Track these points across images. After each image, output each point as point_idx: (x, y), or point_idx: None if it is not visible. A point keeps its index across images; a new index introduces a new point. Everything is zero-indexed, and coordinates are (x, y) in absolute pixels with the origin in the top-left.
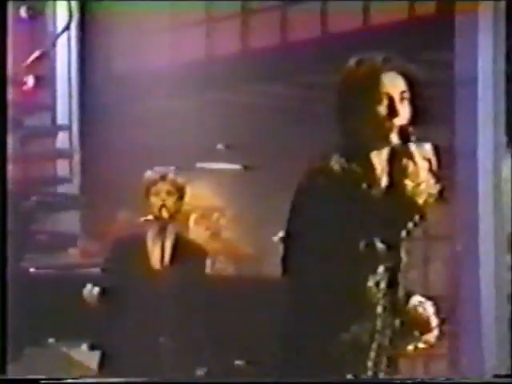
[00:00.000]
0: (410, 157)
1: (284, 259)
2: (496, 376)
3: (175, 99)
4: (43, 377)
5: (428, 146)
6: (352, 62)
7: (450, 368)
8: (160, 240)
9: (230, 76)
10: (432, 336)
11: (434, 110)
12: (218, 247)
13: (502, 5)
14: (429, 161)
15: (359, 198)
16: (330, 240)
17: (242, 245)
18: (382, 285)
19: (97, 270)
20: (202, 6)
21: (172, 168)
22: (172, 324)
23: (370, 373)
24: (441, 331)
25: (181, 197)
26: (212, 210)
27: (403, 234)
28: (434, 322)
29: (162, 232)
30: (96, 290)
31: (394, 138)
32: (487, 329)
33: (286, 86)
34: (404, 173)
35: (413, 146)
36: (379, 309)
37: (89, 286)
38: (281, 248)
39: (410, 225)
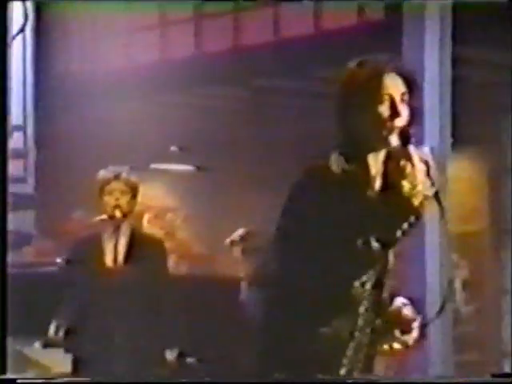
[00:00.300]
0: (409, 158)
1: (274, 255)
2: (496, 376)
3: (130, 101)
4: (43, 377)
5: (426, 149)
6: (353, 62)
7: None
8: (114, 239)
9: (184, 79)
10: (411, 337)
11: None
12: (172, 246)
13: (448, 9)
14: (426, 163)
15: (355, 197)
16: (323, 238)
17: (195, 244)
18: (368, 285)
19: (52, 269)
20: (156, 9)
21: (126, 167)
22: (126, 321)
23: (344, 370)
24: (421, 333)
25: (134, 196)
26: (166, 210)
27: (399, 234)
28: (416, 323)
29: (116, 231)
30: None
31: (394, 140)
32: (432, 327)
33: (239, 88)
34: (401, 174)
35: (411, 148)
36: (362, 307)
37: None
38: (239, 247)
39: (405, 225)
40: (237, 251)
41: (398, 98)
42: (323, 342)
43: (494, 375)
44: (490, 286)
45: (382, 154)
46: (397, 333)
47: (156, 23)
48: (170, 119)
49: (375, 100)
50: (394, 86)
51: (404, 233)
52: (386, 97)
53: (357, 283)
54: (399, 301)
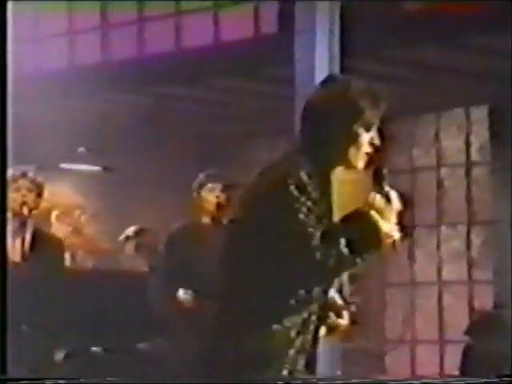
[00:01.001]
0: (382, 193)
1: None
2: (496, 376)
3: (41, 103)
4: (43, 377)
5: (394, 194)
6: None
7: None
8: (20, 234)
9: (92, 85)
10: (344, 321)
11: (277, 121)
12: (79, 242)
13: (337, 25)
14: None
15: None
16: (278, 242)
17: (101, 240)
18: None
19: None
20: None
21: (32, 166)
22: (32, 313)
23: (285, 371)
24: (352, 320)
25: (39, 194)
26: (73, 208)
27: (358, 260)
28: (345, 309)
29: (22, 227)
30: None
31: (361, 164)
32: None
33: (142, 95)
34: (372, 206)
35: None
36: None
37: None
38: (133, 242)
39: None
40: (130, 247)
41: (375, 127)
42: (270, 341)
43: (496, 375)
44: (375, 280)
45: (350, 175)
46: (332, 316)
47: (64, 31)
48: (78, 122)
49: (351, 117)
50: (373, 114)
51: (363, 259)
52: (363, 116)
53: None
54: (331, 291)
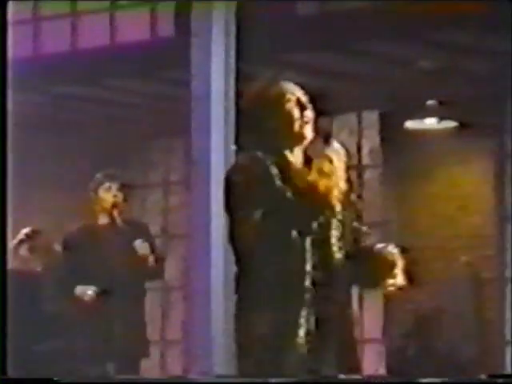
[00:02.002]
0: (326, 156)
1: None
2: (496, 376)
3: None
4: (42, 377)
5: (337, 145)
6: (256, 82)
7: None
8: None
9: None
10: None
11: (173, 123)
12: None
13: (233, 29)
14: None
15: (276, 194)
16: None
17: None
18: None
19: None
20: None
21: None
22: None
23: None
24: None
25: None
26: None
27: (315, 225)
28: None
29: None
30: None
31: (309, 132)
32: (215, 323)
33: (39, 95)
34: (321, 171)
35: (331, 143)
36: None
37: None
38: (27, 245)
39: (321, 219)
40: (24, 249)
41: (300, 96)
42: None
43: (494, 375)
44: None
45: (300, 152)
46: None
47: None
48: None
49: (282, 101)
50: (294, 88)
51: (320, 225)
52: (291, 96)
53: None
54: None
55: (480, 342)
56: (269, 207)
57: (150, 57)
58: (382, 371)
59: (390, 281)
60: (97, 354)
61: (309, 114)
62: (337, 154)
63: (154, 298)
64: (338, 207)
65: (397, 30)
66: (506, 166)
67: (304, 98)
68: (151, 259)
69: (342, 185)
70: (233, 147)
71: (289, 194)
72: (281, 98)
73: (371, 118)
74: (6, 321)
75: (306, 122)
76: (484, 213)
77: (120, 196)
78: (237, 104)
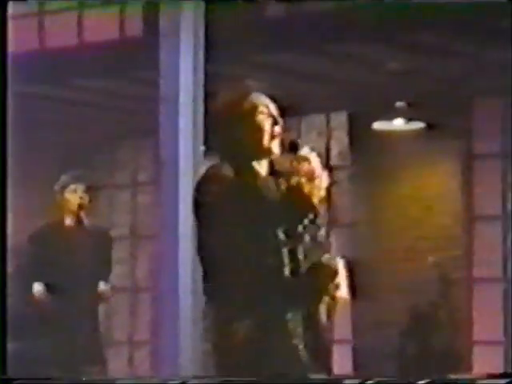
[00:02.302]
0: (301, 160)
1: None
2: (496, 376)
3: None
4: (42, 377)
5: (307, 150)
6: (225, 89)
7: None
8: None
9: None
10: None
11: (141, 123)
12: None
13: (201, 31)
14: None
15: (254, 200)
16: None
17: None
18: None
19: None
20: None
21: None
22: None
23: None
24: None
25: None
26: None
27: (300, 228)
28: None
29: None
30: None
31: (276, 147)
32: (184, 323)
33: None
34: (298, 174)
35: (305, 151)
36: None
37: None
38: None
39: (306, 221)
40: None
41: (272, 110)
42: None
43: (493, 375)
44: None
45: (266, 161)
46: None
47: None
48: None
49: (254, 113)
50: (266, 101)
51: (305, 228)
52: (264, 109)
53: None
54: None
55: (448, 343)
56: (241, 216)
57: (118, 57)
58: (350, 371)
59: (333, 292)
60: (59, 355)
61: (278, 129)
62: (307, 158)
63: (122, 299)
64: (321, 209)
65: (365, 31)
66: (473, 166)
67: (276, 113)
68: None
69: (324, 185)
70: (201, 148)
71: (270, 198)
72: (253, 109)
73: (340, 119)
74: (6, 321)
75: (275, 137)
76: (451, 213)
77: (86, 198)
78: (205, 104)
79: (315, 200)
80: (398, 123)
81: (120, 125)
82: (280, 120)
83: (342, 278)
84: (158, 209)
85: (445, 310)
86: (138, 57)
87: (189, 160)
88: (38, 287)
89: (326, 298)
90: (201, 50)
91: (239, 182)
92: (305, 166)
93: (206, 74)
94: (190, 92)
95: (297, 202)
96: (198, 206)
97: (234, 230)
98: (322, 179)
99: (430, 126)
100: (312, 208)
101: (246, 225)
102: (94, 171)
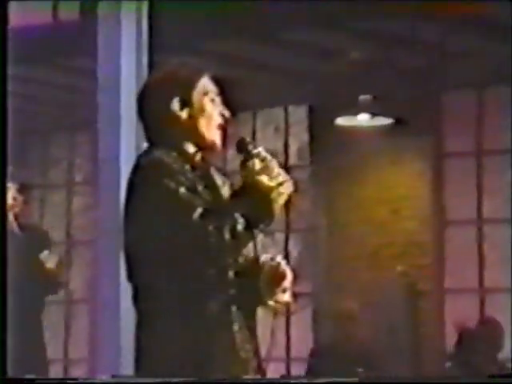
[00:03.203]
0: (256, 155)
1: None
2: (496, 376)
3: None
4: (42, 377)
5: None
6: (173, 63)
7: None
8: None
9: None
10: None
11: (77, 115)
12: None
13: (144, 16)
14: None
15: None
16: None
17: None
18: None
19: None
20: None
21: None
22: None
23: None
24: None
25: None
26: None
27: (255, 232)
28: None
29: None
30: None
31: (218, 141)
32: (125, 337)
33: None
34: (254, 171)
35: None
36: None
37: None
38: None
39: (262, 226)
40: None
41: (219, 100)
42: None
43: (493, 375)
44: None
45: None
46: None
47: None
48: None
49: (202, 98)
50: (214, 88)
51: (260, 230)
52: (212, 96)
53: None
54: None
55: (415, 359)
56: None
57: (50, 42)
58: None
59: (278, 296)
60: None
61: (223, 122)
62: (260, 157)
63: (56, 312)
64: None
65: (326, 17)
66: (444, 166)
67: (219, 101)
68: (59, 272)
69: (287, 191)
70: (146, 144)
71: (223, 194)
72: (203, 94)
73: (299, 113)
74: (6, 321)
75: (219, 130)
76: (420, 217)
77: (19, 198)
78: None
79: (275, 204)
80: (363, 118)
81: (53, 117)
82: (227, 113)
83: (288, 282)
84: (96, 211)
85: (413, 326)
86: (74, 43)
87: (131, 156)
88: None
89: (271, 302)
90: (144, 35)
91: (176, 171)
92: (259, 164)
93: (151, 62)
94: (133, 82)
95: (252, 202)
96: (128, 197)
97: (168, 226)
98: (287, 185)
99: (397, 122)
100: (271, 212)
101: (183, 223)
102: (25, 168)
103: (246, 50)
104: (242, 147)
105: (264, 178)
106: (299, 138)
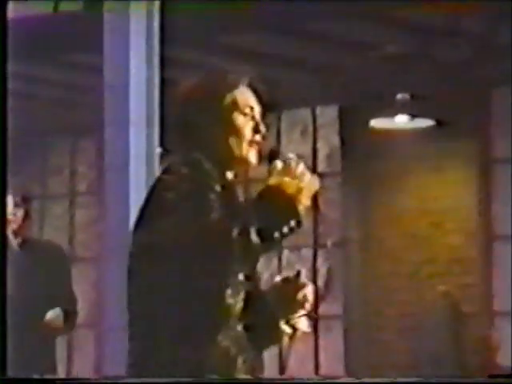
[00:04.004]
0: (289, 163)
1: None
2: (496, 376)
3: None
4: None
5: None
6: (202, 74)
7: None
8: None
9: None
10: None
11: (82, 117)
12: None
13: (156, 6)
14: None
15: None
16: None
17: None
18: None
19: None
20: None
21: None
22: None
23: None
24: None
25: None
26: None
27: (276, 235)
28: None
29: None
30: None
31: (253, 157)
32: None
33: None
34: (283, 171)
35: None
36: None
37: None
38: None
39: (286, 229)
40: None
41: (257, 114)
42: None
43: (493, 375)
44: None
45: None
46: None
47: None
48: None
49: (232, 112)
50: (253, 101)
51: (283, 235)
52: (248, 110)
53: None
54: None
55: None
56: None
57: (52, 36)
58: None
59: (294, 317)
60: None
61: (259, 138)
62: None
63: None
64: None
65: (358, 7)
66: (492, 172)
67: (258, 116)
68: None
69: (312, 189)
70: (158, 150)
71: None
72: (234, 107)
73: (328, 114)
74: (6, 322)
75: (253, 146)
76: (465, 231)
77: (20, 213)
78: (162, 95)
79: (299, 204)
80: (400, 120)
81: (55, 119)
82: (263, 127)
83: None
84: (101, 224)
85: (456, 353)
86: (77, 37)
87: (141, 164)
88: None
89: (287, 328)
90: (155, 28)
91: (200, 189)
92: (291, 169)
93: (163, 58)
94: (143, 80)
95: (275, 204)
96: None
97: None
98: (311, 181)
99: (439, 123)
100: (295, 213)
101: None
102: (22, 177)
103: (267, 45)
104: (273, 157)
105: (286, 179)
106: (329, 141)
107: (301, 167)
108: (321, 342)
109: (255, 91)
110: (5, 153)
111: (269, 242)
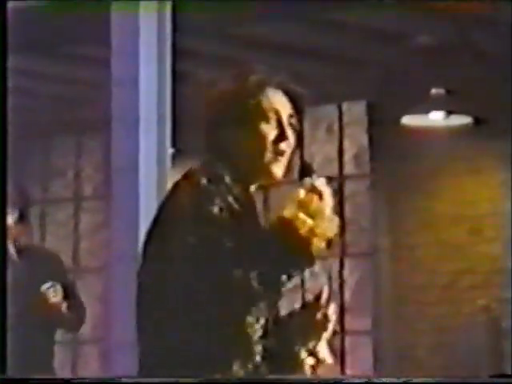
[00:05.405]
0: (315, 190)
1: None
2: (496, 376)
3: None
4: (41, 377)
5: (322, 180)
6: (228, 73)
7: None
8: None
9: None
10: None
11: (90, 114)
12: None
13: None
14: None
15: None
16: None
17: None
18: (262, 321)
19: None
20: None
21: None
22: None
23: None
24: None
25: None
26: None
27: (284, 278)
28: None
29: None
30: None
31: (277, 169)
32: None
33: None
34: (305, 208)
35: (318, 181)
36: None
37: None
38: None
39: (295, 272)
40: None
41: (285, 119)
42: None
43: (493, 376)
44: None
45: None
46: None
47: None
48: None
49: (257, 117)
50: (281, 104)
51: (290, 278)
52: (272, 114)
53: (250, 318)
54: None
55: None
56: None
57: (54, 28)
58: None
59: (315, 344)
60: None
61: (284, 147)
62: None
63: (61, 354)
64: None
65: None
66: None
67: (287, 124)
68: (64, 306)
69: (329, 231)
70: (169, 150)
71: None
72: (259, 111)
73: (356, 110)
74: (6, 321)
75: (279, 156)
76: (505, 239)
77: (19, 226)
78: (174, 91)
79: (315, 246)
80: (435, 117)
81: (57, 118)
82: (291, 136)
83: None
84: (108, 231)
85: (496, 370)
86: (81, 26)
87: (151, 166)
88: None
89: (308, 358)
90: (167, 20)
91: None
92: (312, 201)
93: (174, 50)
94: (154, 75)
95: (288, 244)
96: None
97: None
98: (329, 226)
99: (476, 121)
100: (310, 259)
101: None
102: (22, 179)
103: (287, 34)
104: (305, 173)
105: (302, 213)
106: (356, 140)
107: (329, 206)
108: (348, 360)
109: (287, 93)
110: (5, 153)
111: (273, 287)
